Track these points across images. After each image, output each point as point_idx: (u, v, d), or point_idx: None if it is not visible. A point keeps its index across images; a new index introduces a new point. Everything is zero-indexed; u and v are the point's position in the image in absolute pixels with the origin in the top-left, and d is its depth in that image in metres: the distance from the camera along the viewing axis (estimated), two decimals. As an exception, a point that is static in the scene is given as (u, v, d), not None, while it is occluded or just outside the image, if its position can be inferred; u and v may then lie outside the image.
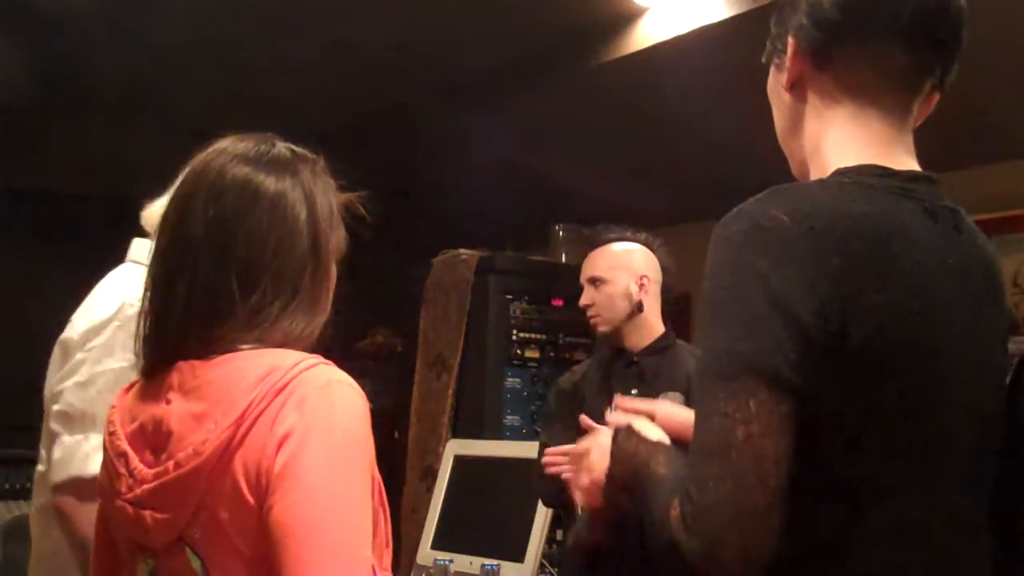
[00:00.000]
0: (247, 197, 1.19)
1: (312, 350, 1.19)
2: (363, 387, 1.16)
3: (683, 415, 1.39)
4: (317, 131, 2.40)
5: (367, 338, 5.27)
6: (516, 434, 4.18)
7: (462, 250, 4.45)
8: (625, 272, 2.67)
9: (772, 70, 1.24)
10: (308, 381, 1.11)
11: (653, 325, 2.69)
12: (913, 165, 1.16)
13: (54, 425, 1.86)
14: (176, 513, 1.11)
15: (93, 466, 1.61)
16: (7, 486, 4.61)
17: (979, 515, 1.12)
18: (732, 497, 0.95)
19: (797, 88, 1.20)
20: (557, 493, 2.36)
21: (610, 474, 1.18)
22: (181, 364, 1.17)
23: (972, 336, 1.10)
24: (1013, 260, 3.77)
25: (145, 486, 1.14)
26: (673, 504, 0.99)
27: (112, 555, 1.27)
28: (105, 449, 1.23)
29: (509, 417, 4.26)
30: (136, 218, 1.99)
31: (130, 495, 1.15)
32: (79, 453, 1.82)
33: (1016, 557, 1.13)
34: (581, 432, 2.22)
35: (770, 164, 1.35)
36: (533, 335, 4.37)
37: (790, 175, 1.24)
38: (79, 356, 1.87)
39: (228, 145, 1.25)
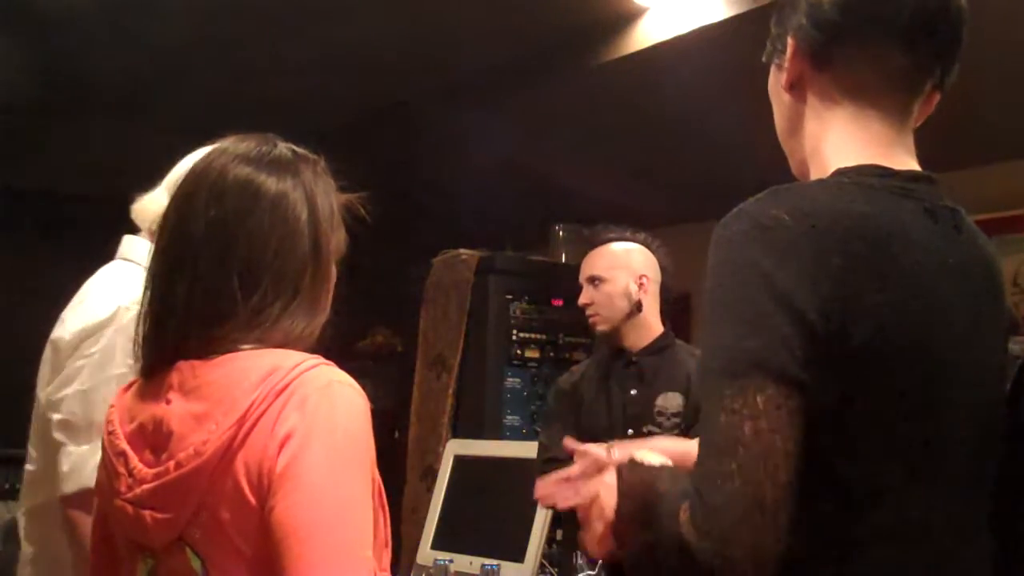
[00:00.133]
0: (249, 198, 1.19)
1: (312, 350, 1.19)
2: (363, 387, 1.16)
3: (680, 446, 1.37)
4: (317, 131, 2.40)
5: (367, 338, 5.27)
6: (516, 434, 4.18)
7: (462, 250, 4.46)
8: (624, 271, 2.67)
9: (773, 69, 1.24)
10: (309, 382, 1.11)
11: (652, 325, 2.69)
12: (913, 165, 1.16)
13: (57, 434, 1.84)
14: (177, 513, 1.11)
15: None
16: (6, 486, 4.61)
17: (979, 515, 1.11)
18: (741, 493, 0.94)
19: (797, 88, 1.20)
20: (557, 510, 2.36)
21: (619, 510, 1.14)
22: (181, 364, 1.17)
23: (972, 336, 1.10)
24: (1013, 260, 3.77)
25: (145, 486, 1.14)
26: (683, 508, 0.98)
27: (110, 554, 1.27)
28: (104, 448, 1.23)
29: (509, 417, 4.26)
30: (136, 218, 1.99)
31: (130, 495, 1.15)
32: (90, 464, 1.80)
33: (1016, 557, 1.13)
34: (581, 432, 2.23)
35: (770, 164, 1.35)
36: (533, 335, 4.37)
37: (790, 175, 1.24)
38: (78, 362, 1.85)
39: (229, 145, 1.25)
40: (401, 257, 4.58)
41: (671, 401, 2.57)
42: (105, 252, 2.03)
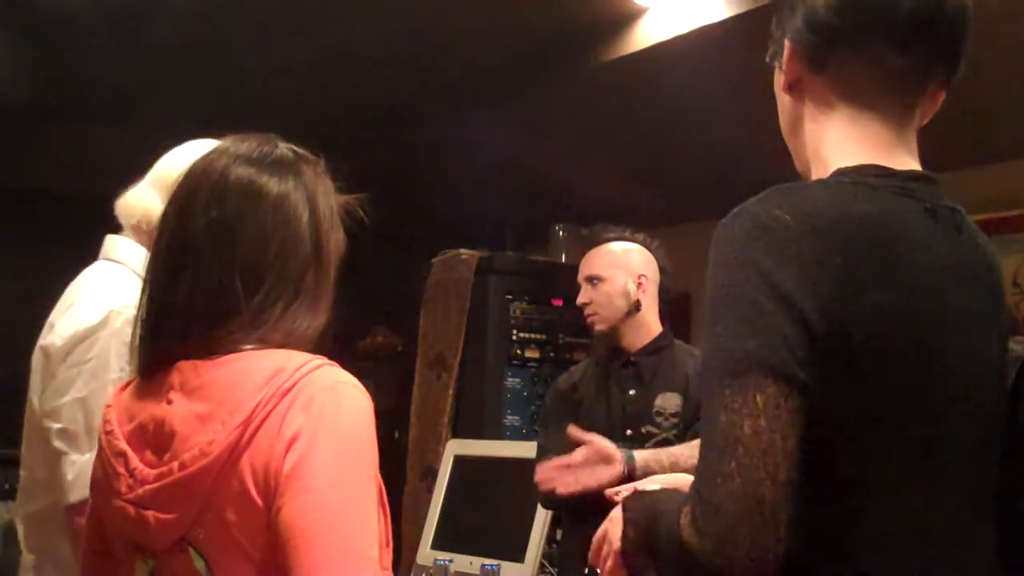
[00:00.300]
0: (251, 199, 1.19)
1: (312, 350, 1.19)
2: (364, 387, 1.17)
3: (680, 479, 1.38)
4: (317, 131, 2.39)
5: (367, 338, 5.27)
6: (516, 434, 4.18)
7: (462, 250, 4.46)
8: (623, 271, 2.67)
9: (776, 69, 1.24)
10: (314, 382, 1.12)
11: (651, 325, 2.69)
12: (914, 166, 1.15)
13: (58, 443, 1.82)
14: (181, 514, 1.11)
15: None
16: (6, 486, 4.60)
17: (980, 515, 1.11)
18: (741, 492, 0.94)
19: (796, 90, 1.20)
20: (556, 495, 2.36)
21: (624, 537, 1.15)
22: (182, 364, 1.17)
23: (973, 336, 1.10)
24: (1013, 260, 3.76)
25: (147, 486, 1.14)
26: (683, 512, 0.99)
27: (104, 555, 1.27)
28: (101, 448, 1.23)
29: (509, 417, 4.26)
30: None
31: (131, 495, 1.15)
32: None
33: (1017, 557, 1.13)
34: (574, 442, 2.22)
35: (770, 164, 1.36)
36: (533, 335, 4.37)
37: (790, 175, 1.24)
38: (72, 369, 1.82)
39: (230, 145, 1.25)
40: (401, 257, 4.58)
41: (670, 401, 2.57)
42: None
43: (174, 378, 1.17)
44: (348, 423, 1.11)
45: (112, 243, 1.98)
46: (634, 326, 2.67)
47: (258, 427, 1.09)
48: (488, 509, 3.15)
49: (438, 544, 3.14)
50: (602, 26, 3.41)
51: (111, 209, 1.98)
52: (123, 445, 1.18)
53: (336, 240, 1.26)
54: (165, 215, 1.25)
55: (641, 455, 2.35)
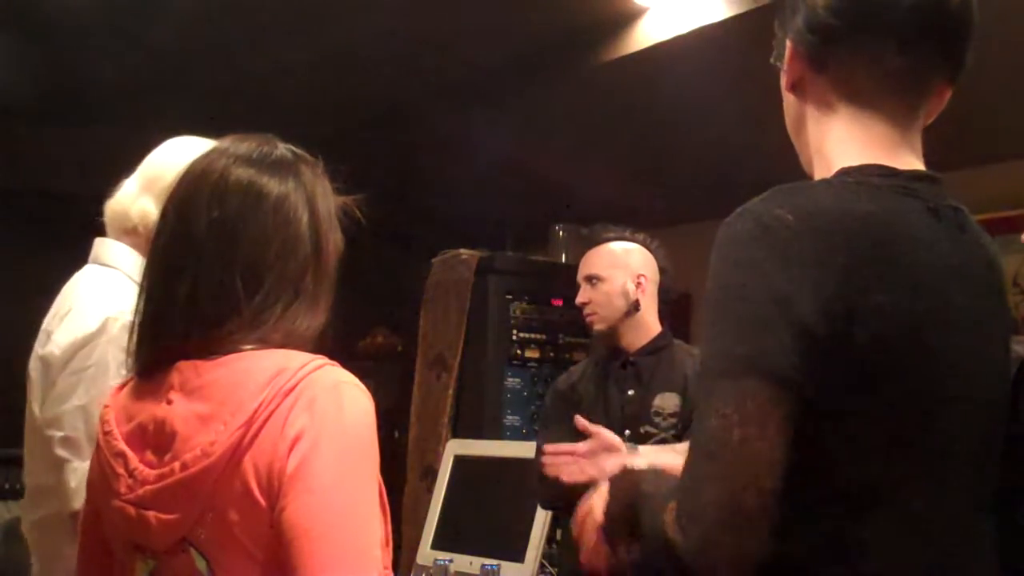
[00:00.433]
0: (251, 199, 1.20)
1: (312, 350, 1.19)
2: (365, 387, 1.17)
3: (667, 458, 1.39)
4: (317, 131, 2.40)
5: (367, 338, 5.27)
6: (516, 434, 4.18)
7: (462, 250, 4.45)
8: (622, 271, 2.67)
9: (780, 69, 1.24)
10: (316, 382, 1.12)
11: (650, 325, 2.69)
12: (918, 166, 1.15)
13: (61, 451, 1.82)
14: (183, 514, 1.11)
15: None
16: (7, 486, 4.60)
17: (981, 516, 1.11)
18: (725, 499, 0.95)
19: (798, 90, 1.20)
20: (556, 495, 2.36)
21: (607, 512, 1.17)
22: (182, 364, 1.17)
23: (975, 336, 1.10)
24: (1013, 260, 3.76)
25: (148, 487, 1.13)
26: (669, 507, 0.99)
27: (101, 555, 1.27)
28: (99, 448, 1.22)
29: (509, 417, 4.26)
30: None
31: (131, 496, 1.15)
32: None
33: (1017, 557, 1.13)
34: (578, 434, 2.22)
35: (770, 164, 1.36)
36: (533, 335, 4.37)
37: (791, 175, 1.23)
38: (72, 377, 1.81)
39: (230, 146, 1.25)
40: (401, 257, 4.58)
41: (668, 401, 2.57)
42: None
43: (174, 378, 1.16)
44: (351, 423, 1.12)
45: (103, 247, 1.97)
46: (633, 326, 2.67)
47: (261, 427, 1.09)
48: (488, 509, 3.15)
49: (438, 544, 3.14)
50: (602, 26, 3.41)
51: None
52: (122, 445, 1.18)
53: (335, 240, 1.26)
54: (165, 215, 1.25)
55: (645, 450, 2.35)
